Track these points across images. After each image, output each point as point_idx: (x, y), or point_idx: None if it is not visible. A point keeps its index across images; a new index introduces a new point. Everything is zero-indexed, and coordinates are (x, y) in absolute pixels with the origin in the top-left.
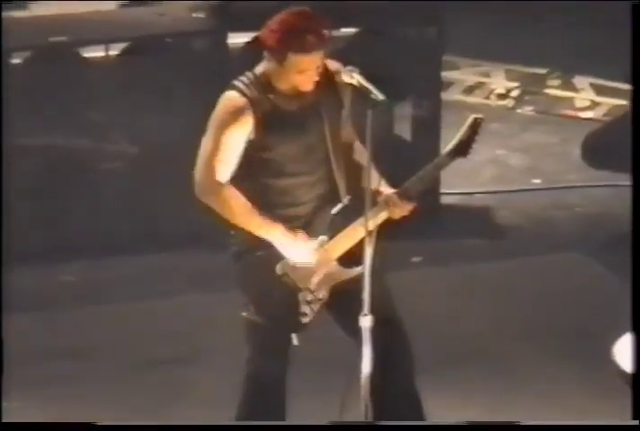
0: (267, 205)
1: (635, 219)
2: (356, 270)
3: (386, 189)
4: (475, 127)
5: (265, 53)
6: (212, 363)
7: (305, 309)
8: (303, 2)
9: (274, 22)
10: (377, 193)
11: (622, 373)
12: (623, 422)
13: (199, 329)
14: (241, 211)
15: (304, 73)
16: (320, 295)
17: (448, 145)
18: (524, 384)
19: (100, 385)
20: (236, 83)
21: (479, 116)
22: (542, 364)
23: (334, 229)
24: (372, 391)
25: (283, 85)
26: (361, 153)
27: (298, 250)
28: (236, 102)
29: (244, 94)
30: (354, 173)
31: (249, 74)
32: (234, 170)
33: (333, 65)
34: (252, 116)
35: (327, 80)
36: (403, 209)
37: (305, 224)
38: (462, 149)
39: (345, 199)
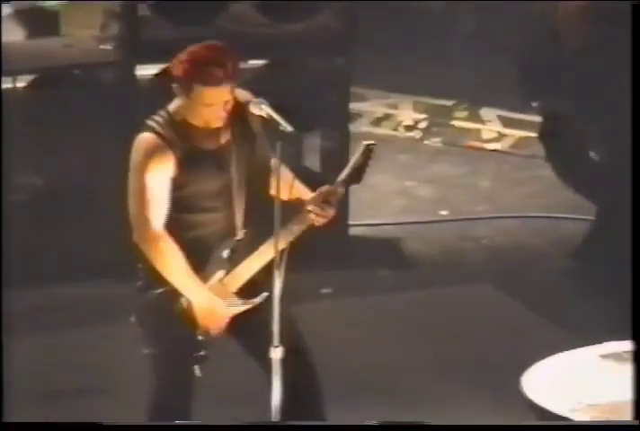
0: (175, 238)
1: (635, 222)
2: (253, 301)
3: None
4: (367, 154)
5: (174, 86)
6: (122, 394)
7: (205, 341)
8: (211, 30)
9: (183, 54)
10: (300, 202)
11: (530, 403)
12: (623, 422)
13: (108, 359)
14: (175, 269)
15: (211, 106)
16: (219, 328)
17: (341, 174)
18: (434, 414)
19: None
20: (151, 123)
21: (371, 142)
22: (452, 394)
23: (233, 263)
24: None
25: (196, 121)
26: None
27: (213, 316)
28: (154, 144)
29: (159, 135)
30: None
31: (162, 112)
32: (166, 211)
33: (243, 95)
34: (171, 156)
35: (238, 112)
36: (327, 215)
37: (209, 257)
38: (355, 176)
39: (240, 233)
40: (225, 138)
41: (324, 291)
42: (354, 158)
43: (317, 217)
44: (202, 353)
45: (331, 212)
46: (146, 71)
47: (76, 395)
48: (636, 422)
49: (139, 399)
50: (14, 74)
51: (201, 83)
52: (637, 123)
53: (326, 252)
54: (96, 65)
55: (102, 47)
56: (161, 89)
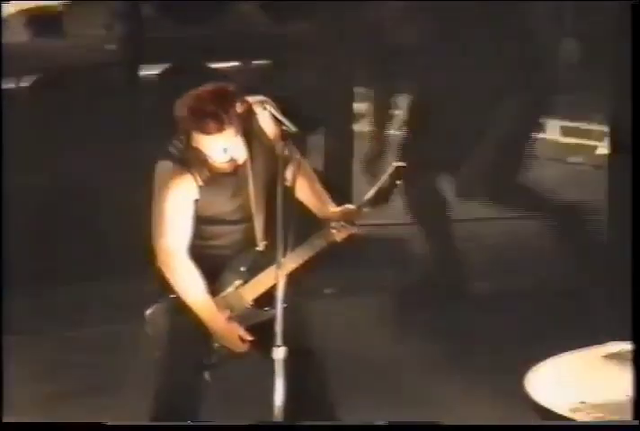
0: (192, 246)
1: (635, 221)
2: (270, 312)
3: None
4: (395, 175)
5: None
6: (126, 394)
7: (218, 348)
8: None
9: (187, 96)
10: (327, 214)
11: (534, 403)
12: (623, 422)
13: (113, 359)
14: (195, 296)
15: (210, 150)
16: (239, 348)
17: (367, 194)
18: (437, 414)
19: (13, 417)
20: (171, 149)
21: (400, 164)
22: (455, 394)
23: (251, 273)
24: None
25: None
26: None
27: (224, 339)
28: (176, 172)
29: (179, 161)
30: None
31: (181, 137)
32: (190, 236)
33: (267, 125)
34: (192, 180)
35: (251, 128)
36: (346, 232)
37: (226, 266)
38: (382, 197)
39: (261, 245)
40: (242, 159)
41: (328, 291)
42: (382, 178)
43: (339, 234)
44: (214, 361)
45: (353, 230)
46: (150, 71)
47: (81, 395)
48: (636, 422)
49: (144, 400)
50: (19, 74)
51: (197, 131)
52: (638, 123)
53: (329, 252)
54: (101, 65)
55: (106, 47)
56: (164, 89)
